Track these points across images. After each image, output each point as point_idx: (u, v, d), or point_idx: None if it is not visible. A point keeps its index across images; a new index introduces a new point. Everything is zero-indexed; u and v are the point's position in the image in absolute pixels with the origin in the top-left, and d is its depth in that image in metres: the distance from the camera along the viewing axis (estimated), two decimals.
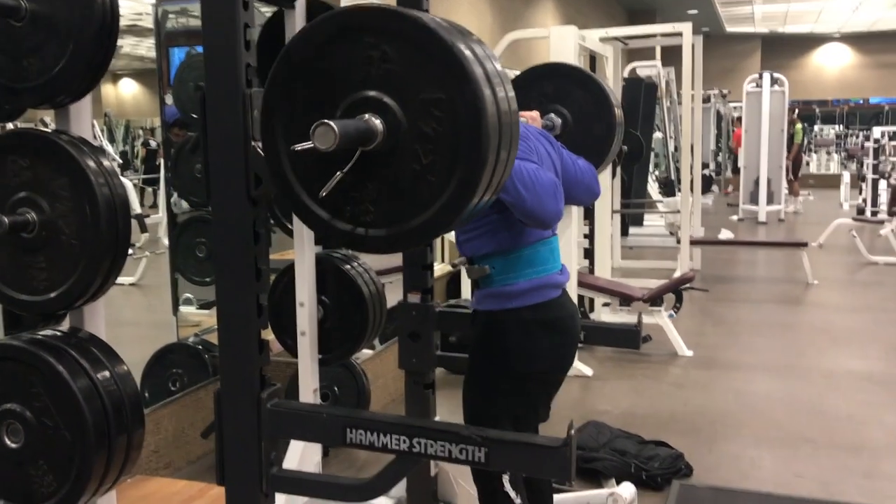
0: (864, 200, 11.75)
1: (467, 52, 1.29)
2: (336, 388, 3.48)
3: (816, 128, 23.28)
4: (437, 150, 1.32)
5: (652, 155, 10.89)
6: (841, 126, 23.89)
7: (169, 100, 3.89)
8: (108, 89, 5.09)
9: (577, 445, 2.23)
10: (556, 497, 2.56)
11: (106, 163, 1.68)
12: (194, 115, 3.59)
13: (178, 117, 3.86)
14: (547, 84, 2.65)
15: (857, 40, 23.19)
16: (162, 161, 4.43)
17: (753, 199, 12.13)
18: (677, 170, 9.71)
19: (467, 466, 2.02)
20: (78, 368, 1.63)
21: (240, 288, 1.64)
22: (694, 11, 17.25)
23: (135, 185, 5.47)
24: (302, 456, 2.52)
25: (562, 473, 1.48)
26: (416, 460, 1.63)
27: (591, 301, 5.66)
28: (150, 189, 5.46)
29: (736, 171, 15.03)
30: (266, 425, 1.66)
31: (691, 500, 3.14)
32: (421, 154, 1.33)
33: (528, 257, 2.15)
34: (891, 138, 11.89)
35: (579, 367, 4.66)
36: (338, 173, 1.35)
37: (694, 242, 7.75)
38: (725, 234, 9.69)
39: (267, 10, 2.42)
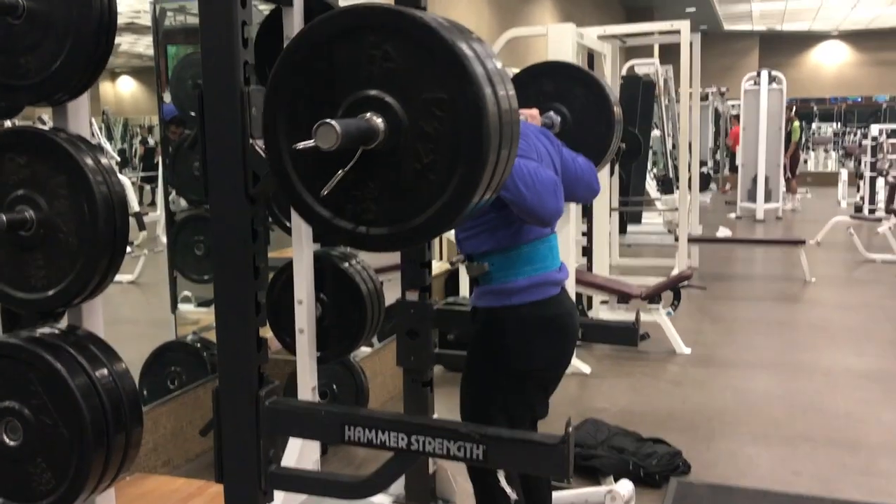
0: (862, 198, 11.74)
1: (469, 52, 1.29)
2: (334, 386, 3.48)
3: (814, 125, 23.30)
4: (438, 149, 1.32)
5: (650, 153, 10.89)
6: (839, 124, 23.91)
7: (167, 97, 3.89)
8: (106, 87, 5.08)
9: (575, 443, 2.23)
10: (554, 494, 2.56)
11: (104, 161, 1.68)
12: (192, 113, 3.59)
13: (175, 114, 3.86)
14: (546, 82, 2.65)
15: (856, 38, 23.18)
16: (160, 159, 4.42)
17: (751, 196, 12.14)
18: (675, 168, 9.72)
19: (465, 464, 2.02)
20: (76, 366, 1.63)
21: (238, 286, 1.64)
22: (692, 9, 17.24)
23: (133, 184, 5.46)
24: (300, 453, 2.52)
25: (560, 471, 1.48)
26: (415, 458, 1.63)
27: (590, 299, 5.67)
28: (148, 187, 5.45)
29: (734, 168, 15.04)
30: (264, 423, 1.66)
31: (689, 497, 3.14)
32: (422, 153, 1.33)
33: (527, 255, 2.15)
34: (888, 136, 11.88)
35: (577, 364, 4.67)
36: (339, 172, 1.35)
37: (692, 240, 7.76)
38: (723, 232, 9.70)
39: (265, 8, 2.42)
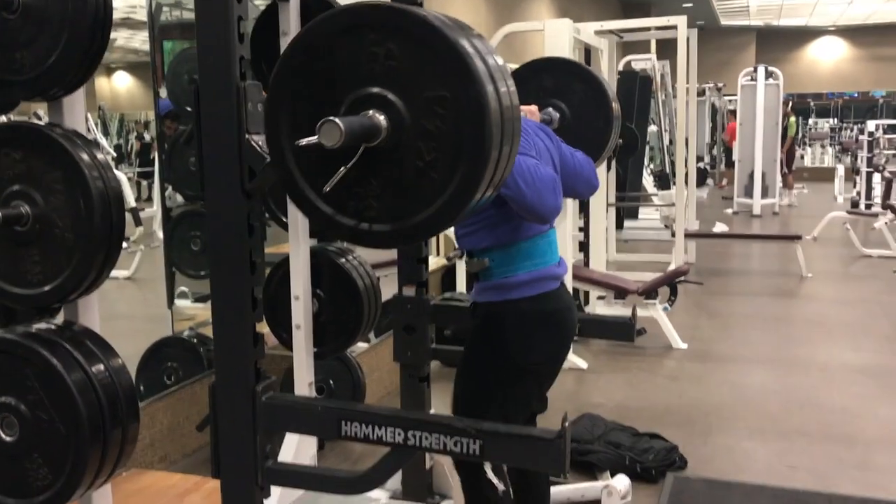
0: (859, 193, 11.77)
1: (470, 49, 1.29)
2: (331, 382, 3.48)
3: (811, 121, 23.31)
4: (440, 146, 1.32)
5: (647, 148, 10.89)
6: (835, 119, 23.93)
7: (163, 93, 3.88)
8: (101, 82, 5.06)
9: (572, 438, 2.23)
10: (550, 490, 2.56)
11: (100, 156, 1.67)
12: (189, 108, 3.59)
13: (171, 110, 3.86)
14: (545, 78, 2.65)
15: (852, 33, 23.19)
16: (156, 154, 4.42)
17: (748, 192, 12.15)
18: (672, 163, 9.72)
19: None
20: (72, 362, 1.63)
21: (235, 281, 1.64)
22: (689, 4, 17.24)
23: (130, 179, 5.45)
24: (297, 449, 2.52)
25: (556, 466, 1.49)
26: (411, 453, 1.64)
27: (587, 294, 5.67)
28: (144, 183, 5.44)
29: (730, 164, 15.04)
30: (261, 418, 1.66)
31: (686, 492, 3.15)
32: (424, 150, 1.33)
33: (526, 250, 2.16)
34: (885, 131, 11.91)
35: (574, 359, 4.67)
36: (342, 169, 1.36)
37: (689, 235, 7.76)
38: (720, 228, 9.71)
39: (260, 3, 2.42)
